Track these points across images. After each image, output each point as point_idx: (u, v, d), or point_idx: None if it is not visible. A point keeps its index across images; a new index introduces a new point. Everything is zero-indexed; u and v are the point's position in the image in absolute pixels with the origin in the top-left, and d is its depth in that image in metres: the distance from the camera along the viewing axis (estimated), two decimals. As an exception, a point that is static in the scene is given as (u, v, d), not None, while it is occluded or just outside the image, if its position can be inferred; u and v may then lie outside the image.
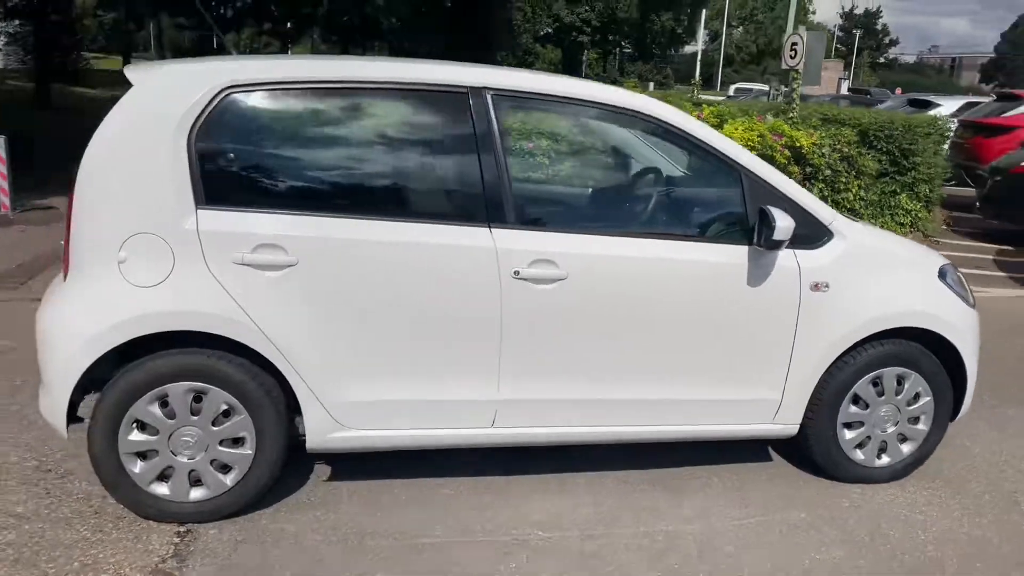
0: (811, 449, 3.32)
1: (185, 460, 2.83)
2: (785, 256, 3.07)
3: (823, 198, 7.15)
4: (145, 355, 2.73)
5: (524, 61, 45.72)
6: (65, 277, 2.79)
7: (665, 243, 3.02)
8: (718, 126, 7.14)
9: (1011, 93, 11.87)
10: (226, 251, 2.70)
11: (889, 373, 3.26)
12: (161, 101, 2.71)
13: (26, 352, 4.31)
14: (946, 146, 9.41)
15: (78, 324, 2.69)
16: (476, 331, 2.89)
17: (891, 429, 3.34)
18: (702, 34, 47.55)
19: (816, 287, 3.10)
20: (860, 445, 3.33)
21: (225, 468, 2.88)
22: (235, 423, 2.82)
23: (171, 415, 2.78)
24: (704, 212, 3.17)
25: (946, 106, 15.34)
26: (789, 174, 6.60)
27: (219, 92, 2.72)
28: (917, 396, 3.33)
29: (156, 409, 2.77)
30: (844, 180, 7.59)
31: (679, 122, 3.04)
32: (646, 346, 3.04)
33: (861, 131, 8.20)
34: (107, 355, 2.68)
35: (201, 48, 25.35)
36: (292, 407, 2.88)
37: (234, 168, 2.81)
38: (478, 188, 2.86)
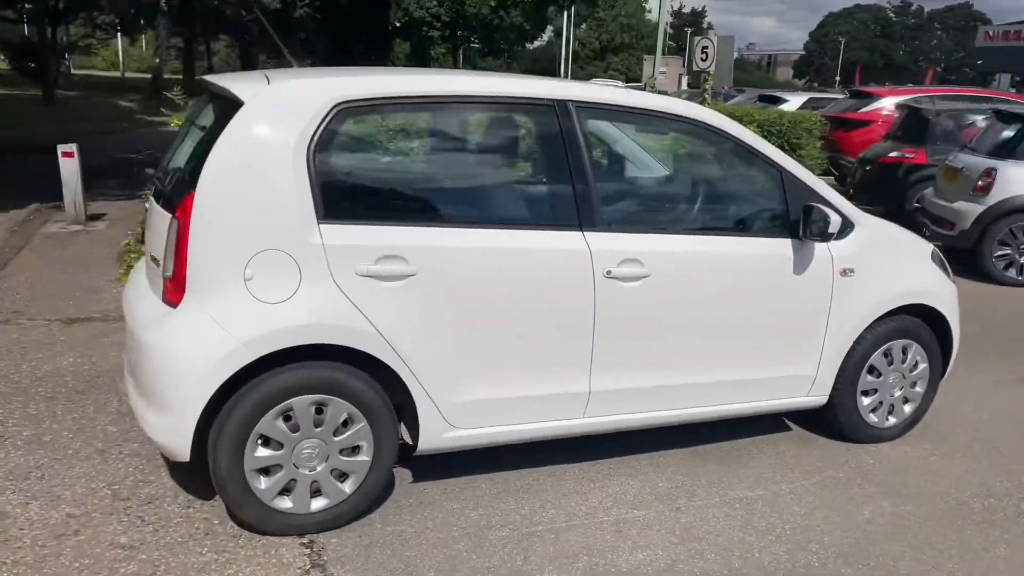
0: (836, 416, 3.76)
1: (307, 472, 2.87)
2: (820, 247, 3.48)
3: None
4: (264, 372, 2.74)
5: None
6: (178, 299, 2.74)
7: (727, 239, 3.37)
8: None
9: (864, 91, 13.22)
10: (350, 264, 2.76)
11: (897, 345, 3.77)
12: (279, 119, 2.73)
13: (41, 381, 4.09)
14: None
15: (206, 345, 2.67)
16: (572, 328, 3.10)
17: (897, 393, 3.86)
18: (547, 31, 48.89)
19: (845, 273, 3.54)
20: (874, 410, 3.82)
21: (343, 476, 2.93)
22: (354, 432, 2.89)
23: (295, 428, 2.81)
24: (755, 210, 3.53)
25: (792, 101, 16.82)
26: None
27: (332, 108, 2.77)
28: (916, 363, 3.86)
29: (281, 424, 2.78)
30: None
31: (731, 129, 3.38)
32: (713, 333, 3.37)
33: (758, 126, 8.97)
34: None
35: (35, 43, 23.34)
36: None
37: (350, 182, 2.87)
38: (570, 194, 3.07)
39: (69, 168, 7.74)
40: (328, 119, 2.76)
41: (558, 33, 63.05)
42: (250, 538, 2.87)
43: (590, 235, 3.07)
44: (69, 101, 23.18)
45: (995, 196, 7.32)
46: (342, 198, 2.81)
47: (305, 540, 2.89)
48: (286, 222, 2.71)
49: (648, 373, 3.28)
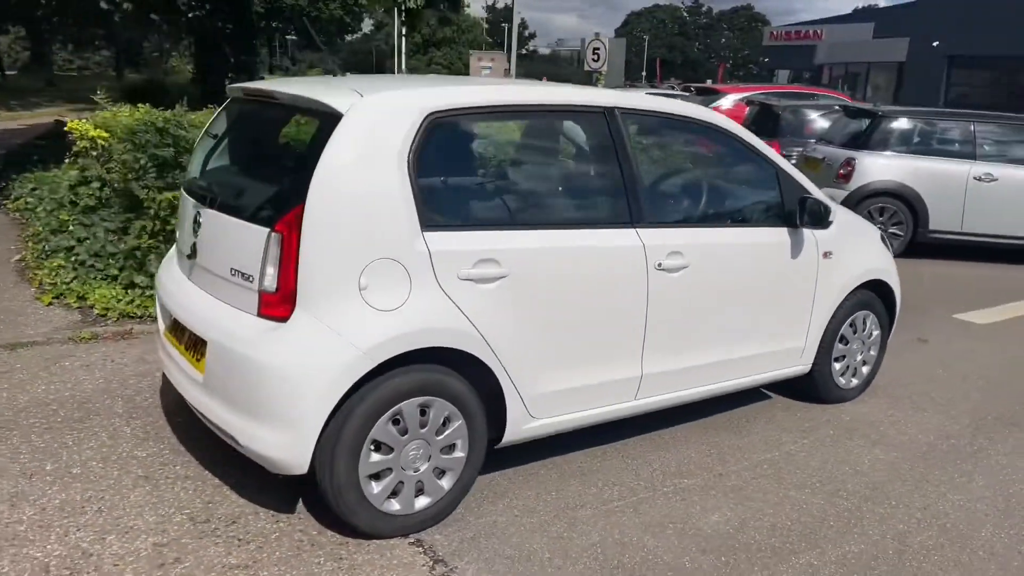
0: (815, 381, 4.29)
1: (412, 473, 2.95)
2: (807, 233, 3.97)
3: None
4: (375, 378, 2.79)
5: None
6: (283, 312, 2.73)
7: (741, 230, 3.77)
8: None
9: (709, 88, 14.38)
10: (453, 268, 2.88)
11: (859, 316, 4.36)
12: (380, 130, 2.78)
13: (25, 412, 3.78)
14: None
15: (328, 356, 2.69)
16: (630, 318, 3.38)
17: (859, 358, 4.46)
18: (367, 23, 48.29)
19: (826, 255, 4.06)
20: (842, 374, 4.40)
21: (442, 474, 3.03)
22: (453, 430, 3.00)
23: (403, 431, 2.88)
24: (760, 203, 3.94)
25: None
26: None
27: (424, 118, 2.86)
28: (872, 331, 4.47)
29: (391, 427, 2.85)
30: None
31: (737, 131, 3.78)
32: (733, 315, 3.76)
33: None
34: None
35: None
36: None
37: (445, 190, 2.97)
38: (624, 194, 3.33)
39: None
40: (422, 130, 2.85)
41: (378, 26, 62.34)
42: (358, 543, 2.91)
43: (641, 231, 3.35)
44: None
45: (855, 182, 8.36)
46: (439, 206, 2.91)
47: (411, 539, 2.97)
48: (395, 231, 2.78)
49: (685, 354, 3.62)
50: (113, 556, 2.78)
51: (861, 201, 8.31)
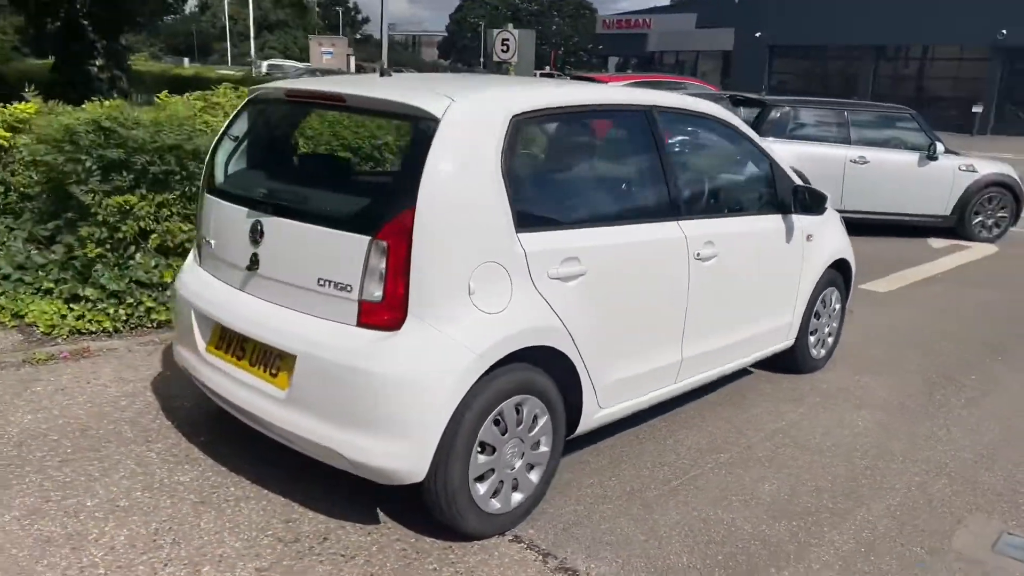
0: (795, 354, 4.68)
1: (509, 471, 2.99)
2: (795, 218, 4.32)
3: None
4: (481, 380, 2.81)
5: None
6: (392, 321, 2.69)
7: (750, 218, 4.06)
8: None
9: (588, 77, 14.82)
10: (544, 268, 2.94)
11: (827, 293, 4.79)
12: (476, 133, 2.79)
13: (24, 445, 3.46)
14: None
15: (446, 362, 2.68)
16: (675, 306, 3.57)
17: (827, 330, 4.90)
18: (191, 4, 45.56)
19: (808, 238, 4.43)
20: (815, 345, 4.82)
21: (531, 468, 3.09)
22: (541, 426, 3.07)
23: (503, 431, 2.92)
24: (761, 192, 4.23)
25: None
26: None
27: (510, 120, 2.89)
28: (835, 305, 4.93)
29: (494, 428, 2.88)
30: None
31: (741, 126, 4.06)
32: (747, 296, 4.05)
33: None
34: None
35: None
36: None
37: (531, 191, 3.00)
38: (666, 189, 3.51)
39: None
40: (509, 132, 2.88)
41: (202, 8, 58.90)
42: (461, 546, 2.93)
43: (682, 223, 3.55)
44: None
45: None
46: (528, 207, 2.95)
47: (510, 536, 3.02)
48: (497, 234, 2.80)
49: (712, 338, 3.86)
50: (218, 587, 2.65)
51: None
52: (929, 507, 3.38)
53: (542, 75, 32.31)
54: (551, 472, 3.19)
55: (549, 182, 3.17)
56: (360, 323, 2.75)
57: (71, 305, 4.97)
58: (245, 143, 3.40)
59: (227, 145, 3.44)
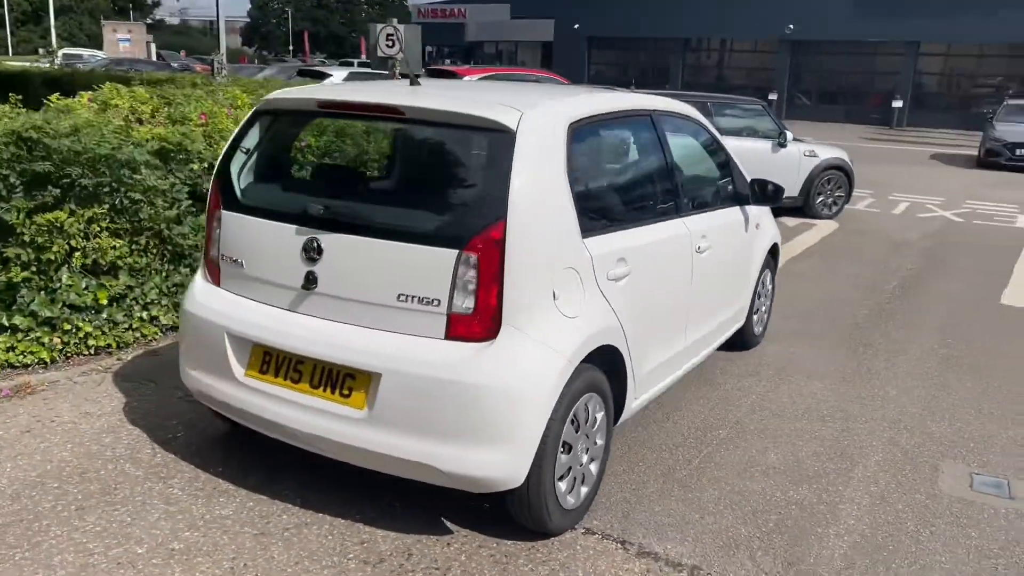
0: (744, 332, 5.10)
1: (579, 467, 3.11)
2: (747, 209, 4.72)
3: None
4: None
5: None
6: (484, 332, 2.72)
7: (724, 211, 4.38)
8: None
9: (445, 69, 14.84)
10: (604, 270, 3.08)
11: (765, 275, 5.26)
12: (546, 143, 2.87)
13: (20, 497, 3.18)
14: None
15: (543, 368, 2.76)
16: (683, 297, 3.83)
17: (763, 308, 5.38)
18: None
19: (757, 227, 4.86)
20: (758, 323, 5.28)
21: (591, 461, 3.22)
22: (600, 420, 3.21)
23: (576, 429, 3.03)
24: (727, 186, 4.56)
25: (336, 76, 17.87)
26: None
27: (568, 128, 3.00)
28: (768, 285, 5.42)
29: (571, 427, 2.99)
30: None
31: (711, 128, 4.37)
32: (725, 285, 4.39)
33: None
34: None
35: None
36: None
37: (588, 196, 3.10)
38: (673, 188, 3.75)
39: None
40: (569, 139, 2.98)
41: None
42: (544, 544, 3.02)
43: (684, 220, 3.80)
44: None
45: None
46: (587, 212, 3.06)
47: (581, 529, 3.14)
48: (570, 239, 2.90)
49: (702, 325, 4.16)
50: (331, 618, 2.58)
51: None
52: (907, 459, 3.87)
53: (360, 65, 31.71)
54: (606, 463, 3.34)
55: (599, 187, 3.30)
56: (449, 336, 2.75)
57: (-9, 336, 4.46)
58: (266, 156, 3.25)
59: (241, 158, 3.27)
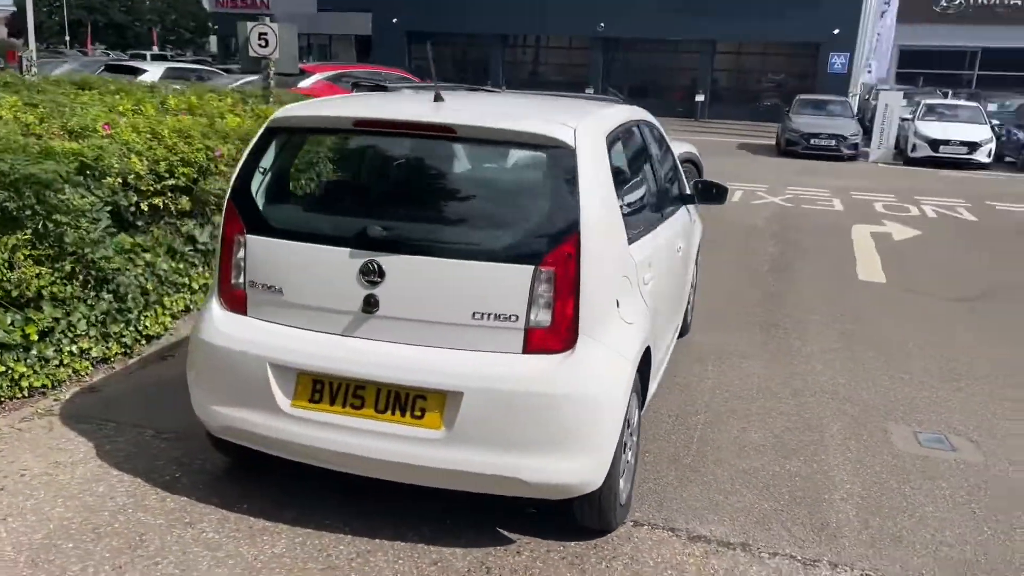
0: (684, 320, 5.48)
1: (627, 463, 3.28)
2: (691, 207, 5.07)
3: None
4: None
5: None
6: (561, 344, 2.81)
7: (682, 210, 4.69)
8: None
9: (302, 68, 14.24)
10: (642, 275, 3.27)
11: (699, 262, 5.68)
12: (597, 157, 3.01)
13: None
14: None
15: (618, 375, 2.91)
16: (672, 293, 4.09)
17: (693, 298, 5.79)
18: None
19: (693, 221, 5.23)
20: (690, 311, 5.68)
21: (632, 456, 3.40)
22: (637, 416, 3.39)
23: (627, 426, 3.19)
24: (679, 187, 4.85)
25: (151, 72, 16.78)
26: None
27: (606, 140, 3.15)
28: (698, 275, 5.84)
29: (625, 427, 3.14)
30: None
31: (664, 133, 4.67)
32: (685, 279, 4.71)
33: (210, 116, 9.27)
34: None
35: None
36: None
37: (623, 206, 3.23)
38: (662, 192, 4.00)
39: None
40: (608, 151, 3.13)
41: None
42: (605, 541, 3.17)
43: (670, 222, 4.07)
44: None
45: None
46: (626, 221, 3.20)
47: (630, 522, 3.31)
48: (623, 248, 3.05)
49: (675, 317, 4.45)
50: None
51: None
52: (859, 425, 4.37)
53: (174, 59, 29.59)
54: (637, 456, 3.53)
55: (628, 195, 3.44)
56: (527, 350, 2.82)
57: (-96, 386, 3.91)
58: (295, 176, 3.12)
59: (261, 179, 3.11)
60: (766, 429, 4.25)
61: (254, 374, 2.99)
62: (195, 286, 5.51)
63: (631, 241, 3.21)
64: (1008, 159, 19.67)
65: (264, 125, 3.21)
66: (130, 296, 4.87)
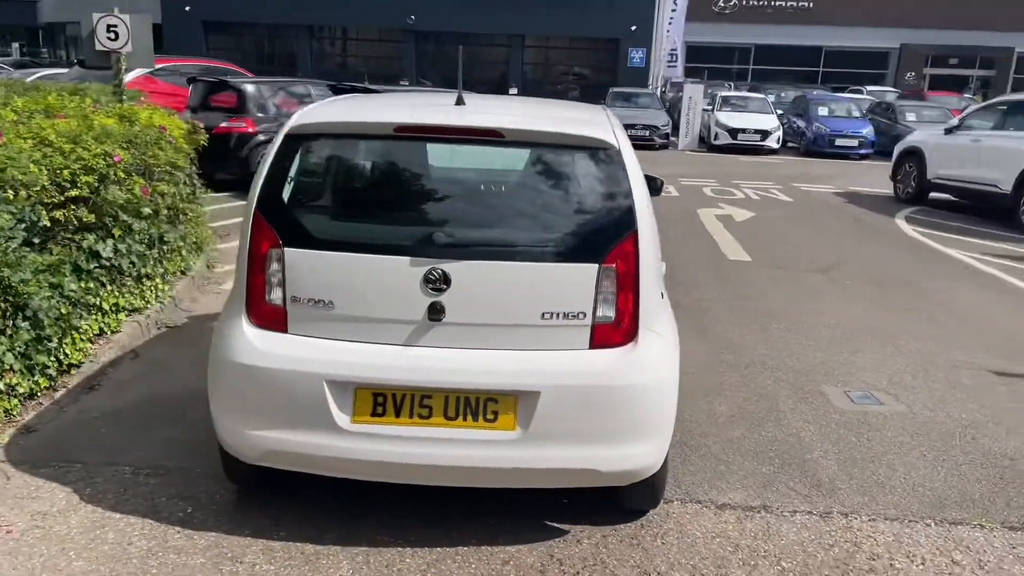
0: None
1: (660, 444, 3.47)
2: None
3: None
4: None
5: None
6: (623, 339, 2.94)
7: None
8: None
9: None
10: (662, 267, 3.45)
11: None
12: (632, 152, 3.13)
13: None
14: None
15: (674, 362, 3.09)
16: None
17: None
18: None
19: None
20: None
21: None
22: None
23: (672, 408, 3.39)
24: None
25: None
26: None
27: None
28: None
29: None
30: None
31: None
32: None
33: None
34: None
35: None
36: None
37: None
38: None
39: None
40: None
41: None
42: (648, 520, 3.34)
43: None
44: None
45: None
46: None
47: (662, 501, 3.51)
48: (657, 240, 3.21)
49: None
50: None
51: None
52: (799, 389, 4.86)
53: None
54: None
55: None
56: (593, 346, 2.92)
57: None
58: (332, 185, 3.00)
59: (291, 190, 2.96)
60: (729, 401, 4.62)
61: (308, 393, 2.85)
62: (106, 307, 5.03)
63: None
64: (791, 144, 22.08)
65: (284, 131, 3.04)
66: (46, 322, 4.37)
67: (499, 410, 2.87)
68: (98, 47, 7.78)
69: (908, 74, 35.70)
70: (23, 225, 4.27)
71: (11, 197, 4.24)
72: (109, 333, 4.98)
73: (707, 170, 16.58)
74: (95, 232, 5.12)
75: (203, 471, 3.55)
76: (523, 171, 3.05)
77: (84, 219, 4.94)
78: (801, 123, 22.01)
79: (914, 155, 13.08)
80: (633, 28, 31.07)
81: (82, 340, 4.68)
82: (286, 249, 2.90)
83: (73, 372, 4.53)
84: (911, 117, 21.58)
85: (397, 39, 33.55)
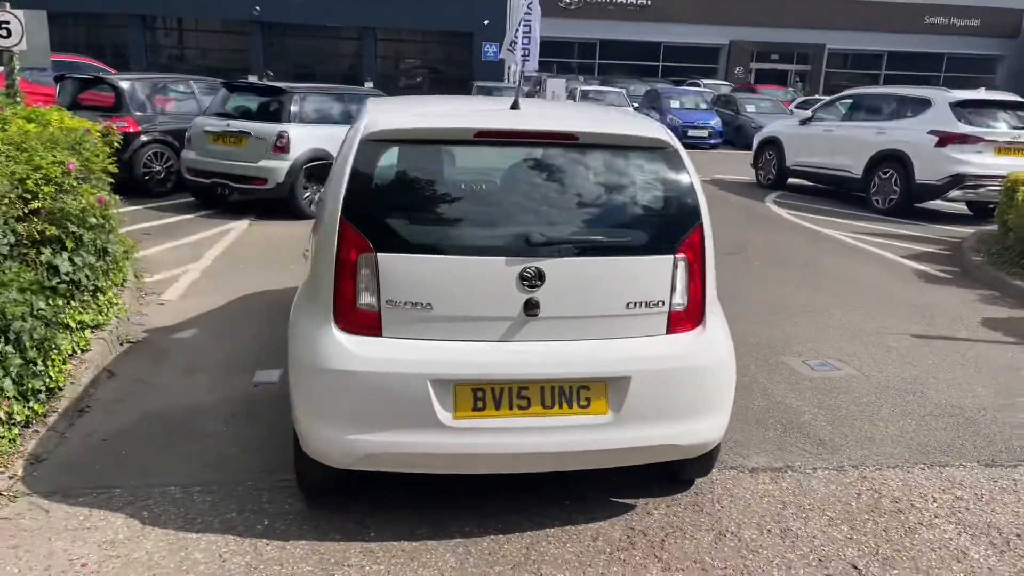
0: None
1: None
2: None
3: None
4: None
5: None
6: (692, 325, 3.21)
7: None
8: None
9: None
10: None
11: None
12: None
13: None
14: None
15: (730, 344, 3.37)
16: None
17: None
18: None
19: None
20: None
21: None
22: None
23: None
24: None
25: None
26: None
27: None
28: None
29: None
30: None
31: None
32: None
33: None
34: None
35: None
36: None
37: None
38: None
39: None
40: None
41: None
42: (696, 488, 3.64)
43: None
44: None
45: (293, 153, 9.34)
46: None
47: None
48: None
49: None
50: None
51: (301, 168, 9.37)
52: (766, 361, 5.31)
53: None
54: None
55: None
56: (669, 331, 3.17)
57: None
58: (418, 190, 3.04)
59: (376, 196, 3.00)
60: (713, 377, 5.01)
61: (412, 394, 2.91)
62: (72, 324, 4.72)
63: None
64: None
65: (360, 137, 3.06)
66: (28, 344, 4.08)
67: (591, 396, 3.05)
68: (-14, 44, 7.11)
69: (737, 68, 38.40)
70: (6, 242, 3.96)
71: (3, 210, 3.93)
72: (80, 352, 4.68)
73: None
74: (50, 245, 4.79)
75: (254, 484, 3.49)
76: (595, 170, 3.23)
77: (48, 232, 4.61)
78: (655, 115, 23.26)
79: (773, 144, 14.26)
80: (486, 22, 31.46)
81: (64, 362, 4.38)
82: (379, 255, 2.94)
83: (59, 395, 4.24)
84: (751, 108, 23.41)
85: (242, 31, 32.13)
